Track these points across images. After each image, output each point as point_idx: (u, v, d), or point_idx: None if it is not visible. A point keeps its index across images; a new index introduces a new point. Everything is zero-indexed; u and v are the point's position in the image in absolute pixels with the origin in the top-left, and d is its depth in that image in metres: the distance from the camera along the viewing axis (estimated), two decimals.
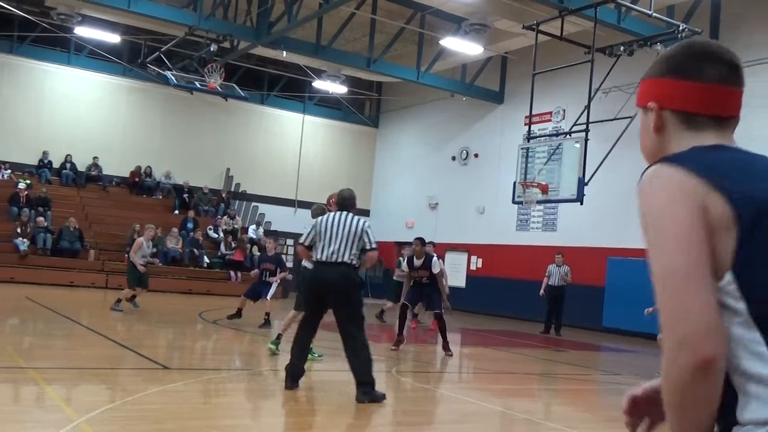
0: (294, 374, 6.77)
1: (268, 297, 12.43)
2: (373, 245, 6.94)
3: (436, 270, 10.91)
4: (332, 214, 7.02)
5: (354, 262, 6.81)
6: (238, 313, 12.49)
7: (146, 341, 10.41)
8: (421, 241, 11.22)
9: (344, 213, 6.98)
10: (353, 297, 6.85)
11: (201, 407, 6.08)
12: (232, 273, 22.11)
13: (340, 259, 6.73)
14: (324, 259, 6.78)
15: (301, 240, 7.13)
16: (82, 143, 23.66)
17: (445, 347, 10.83)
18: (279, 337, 9.21)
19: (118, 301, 13.60)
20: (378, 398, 6.46)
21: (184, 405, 5.99)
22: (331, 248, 6.75)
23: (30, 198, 21.15)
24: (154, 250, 16.25)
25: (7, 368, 7.09)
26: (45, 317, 12.14)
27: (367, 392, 6.42)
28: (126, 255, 20.63)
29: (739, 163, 1.38)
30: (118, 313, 13.12)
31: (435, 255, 11.57)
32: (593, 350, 14.57)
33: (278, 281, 12.53)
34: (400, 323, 10.91)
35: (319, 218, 7.02)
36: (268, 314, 12.37)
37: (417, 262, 10.93)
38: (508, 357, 11.87)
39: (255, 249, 22.98)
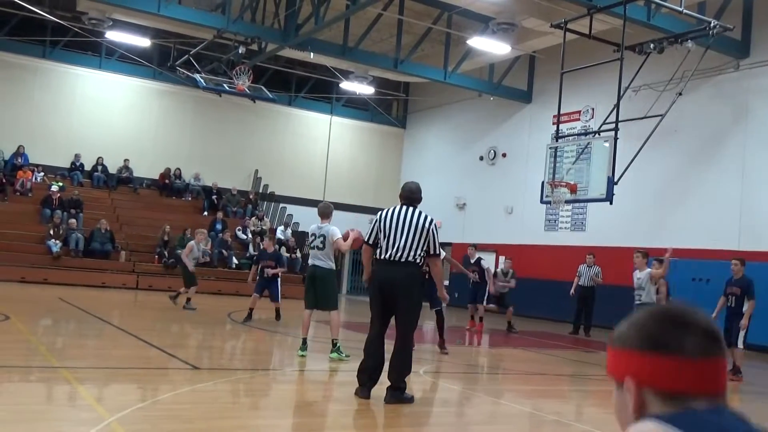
0: (368, 383, 6.46)
1: (278, 299, 13.35)
2: (438, 250, 6.54)
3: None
4: (396, 208, 6.59)
5: (419, 261, 6.47)
6: (249, 315, 12.96)
7: (176, 341, 10.51)
8: None
9: (410, 208, 6.55)
10: (416, 298, 6.55)
11: (231, 407, 6.11)
12: None
13: (404, 259, 6.37)
14: (388, 257, 6.40)
15: (365, 238, 6.75)
16: (113, 146, 23.96)
17: (441, 344, 10.71)
18: (304, 341, 9.17)
19: (188, 300, 14.59)
20: (406, 400, 6.44)
21: (213, 405, 6.02)
22: (396, 247, 6.37)
23: (62, 200, 21.46)
24: (209, 253, 17.31)
25: (41, 368, 7.20)
26: (77, 318, 12.30)
27: (395, 396, 6.39)
28: (156, 256, 21.08)
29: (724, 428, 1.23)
30: (152, 315, 13.27)
31: None
32: None
33: (279, 274, 13.31)
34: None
35: (382, 212, 6.61)
36: (277, 309, 13.35)
37: None
38: (538, 358, 11.78)
39: (284, 250, 23.07)
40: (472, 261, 14.49)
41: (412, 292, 6.47)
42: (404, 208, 6.59)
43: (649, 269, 10.61)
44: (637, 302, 10.38)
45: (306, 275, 9.50)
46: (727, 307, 10.39)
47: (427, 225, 6.49)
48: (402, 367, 6.45)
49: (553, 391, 8.89)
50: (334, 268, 9.19)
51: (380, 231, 6.53)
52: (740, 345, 10.17)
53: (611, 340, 1.35)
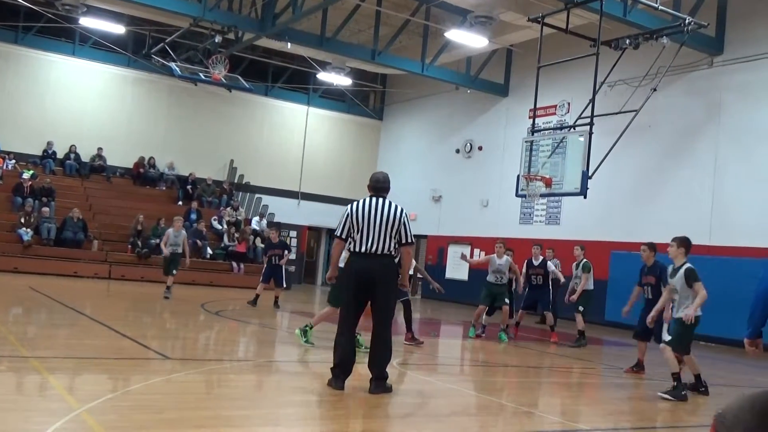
0: (342, 376, 6.51)
1: (283, 284, 14.97)
2: (410, 239, 6.57)
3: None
4: (367, 200, 6.57)
5: (393, 252, 6.53)
6: (255, 301, 14.39)
7: (149, 331, 10.43)
8: None
9: (380, 199, 6.57)
10: (392, 288, 6.62)
11: (203, 397, 6.08)
12: (234, 264, 22.14)
13: (380, 251, 6.42)
14: (363, 251, 6.44)
15: (337, 232, 6.63)
16: (86, 134, 23.68)
17: (410, 337, 10.62)
18: (311, 327, 9.38)
19: (168, 288, 15.11)
20: (389, 389, 6.56)
21: (185, 395, 5.99)
22: (371, 240, 6.40)
23: (34, 188, 21.17)
24: (183, 240, 16.94)
25: (10, 357, 7.10)
26: (48, 307, 12.16)
27: (380, 386, 6.48)
28: (129, 245, 20.89)
29: None
30: (124, 305, 13.15)
31: None
32: (595, 344, 14.55)
33: (285, 262, 14.71)
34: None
35: (353, 205, 6.58)
36: (276, 297, 14.75)
37: None
38: (511, 350, 11.86)
39: (258, 241, 22.99)
40: (536, 263, 13.21)
41: (389, 282, 6.55)
42: (375, 199, 6.59)
43: (507, 258, 12.46)
44: (498, 282, 12.42)
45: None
46: (646, 299, 9.71)
47: (399, 215, 6.54)
48: (384, 357, 6.55)
49: (526, 382, 8.96)
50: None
51: (353, 225, 6.52)
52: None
53: (716, 416, 1.31)
